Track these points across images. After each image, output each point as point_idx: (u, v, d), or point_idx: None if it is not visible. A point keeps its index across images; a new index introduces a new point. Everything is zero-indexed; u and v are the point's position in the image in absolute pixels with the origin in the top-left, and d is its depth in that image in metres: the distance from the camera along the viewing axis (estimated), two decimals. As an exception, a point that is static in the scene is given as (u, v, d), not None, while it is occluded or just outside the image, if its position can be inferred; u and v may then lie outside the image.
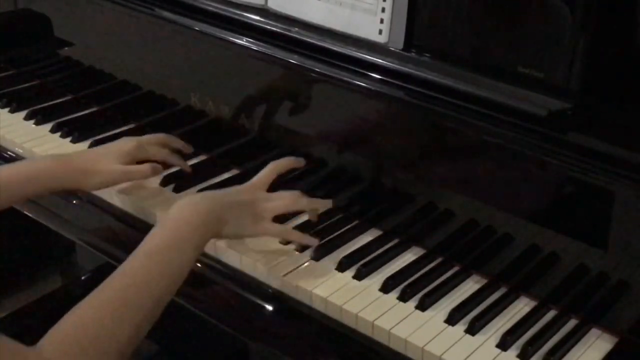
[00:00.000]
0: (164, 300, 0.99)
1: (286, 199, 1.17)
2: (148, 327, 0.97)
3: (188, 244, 1.04)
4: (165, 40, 1.43)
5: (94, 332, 0.91)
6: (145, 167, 1.28)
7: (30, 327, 1.86)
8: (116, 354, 0.92)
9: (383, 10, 1.17)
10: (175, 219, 1.06)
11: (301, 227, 1.21)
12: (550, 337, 1.04)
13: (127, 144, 1.29)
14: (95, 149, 1.36)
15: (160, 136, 1.35)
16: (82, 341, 0.90)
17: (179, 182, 1.33)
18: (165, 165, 1.34)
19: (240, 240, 1.18)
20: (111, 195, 1.31)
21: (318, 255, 1.17)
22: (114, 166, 1.25)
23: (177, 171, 1.37)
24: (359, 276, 1.13)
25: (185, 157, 1.39)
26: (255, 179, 1.20)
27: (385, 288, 1.11)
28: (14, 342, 0.86)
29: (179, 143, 1.38)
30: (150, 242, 1.02)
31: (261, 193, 1.18)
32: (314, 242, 1.17)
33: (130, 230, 1.29)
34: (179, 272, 1.02)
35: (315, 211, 1.23)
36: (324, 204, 1.23)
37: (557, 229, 1.06)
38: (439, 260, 1.17)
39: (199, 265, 1.19)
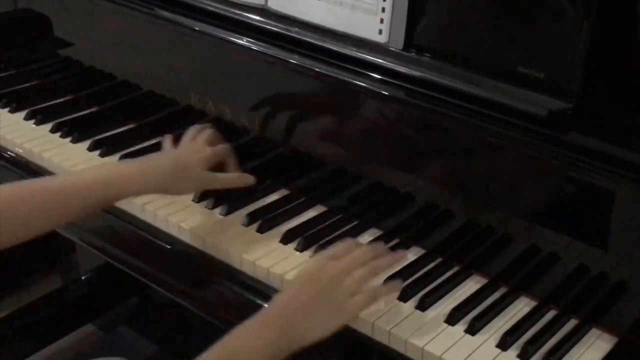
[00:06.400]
0: None
1: (364, 269, 1.01)
2: None
3: None
4: (165, 40, 1.43)
5: None
6: (243, 176, 1.27)
7: (30, 327, 1.86)
8: None
9: (383, 10, 1.17)
10: (235, 347, 0.92)
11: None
12: (550, 337, 1.04)
13: (207, 152, 1.24)
14: (178, 153, 1.25)
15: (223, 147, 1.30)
16: None
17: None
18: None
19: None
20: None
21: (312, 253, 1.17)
22: (206, 173, 1.23)
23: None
24: (359, 276, 1.13)
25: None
26: (322, 255, 1.07)
27: (385, 288, 1.11)
28: None
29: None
30: None
31: (330, 267, 1.01)
32: (394, 296, 1.06)
33: (130, 230, 1.29)
34: None
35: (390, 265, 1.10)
36: (400, 256, 1.11)
37: (557, 229, 1.06)
38: (439, 260, 1.17)
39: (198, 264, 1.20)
